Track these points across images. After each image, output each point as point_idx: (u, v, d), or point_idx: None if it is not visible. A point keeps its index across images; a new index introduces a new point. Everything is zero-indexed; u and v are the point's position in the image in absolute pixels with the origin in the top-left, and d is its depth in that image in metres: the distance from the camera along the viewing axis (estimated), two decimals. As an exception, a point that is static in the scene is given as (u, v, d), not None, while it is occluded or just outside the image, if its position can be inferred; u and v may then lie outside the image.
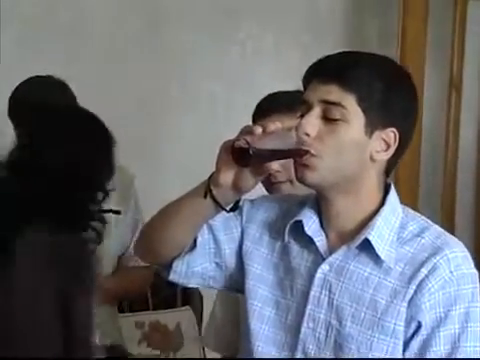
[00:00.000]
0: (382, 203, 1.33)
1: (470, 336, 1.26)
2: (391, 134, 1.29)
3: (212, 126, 3.01)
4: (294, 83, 1.46)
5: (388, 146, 1.29)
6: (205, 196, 1.29)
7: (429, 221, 1.35)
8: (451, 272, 1.27)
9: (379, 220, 1.30)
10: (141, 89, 2.98)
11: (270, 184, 1.69)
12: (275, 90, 1.80)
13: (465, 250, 1.31)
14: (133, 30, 3.02)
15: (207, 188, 1.29)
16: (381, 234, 1.29)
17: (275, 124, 1.26)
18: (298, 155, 1.27)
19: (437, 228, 1.34)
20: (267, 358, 1.36)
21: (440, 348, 1.25)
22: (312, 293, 1.32)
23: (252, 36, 3.14)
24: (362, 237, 1.29)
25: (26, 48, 2.91)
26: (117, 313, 2.42)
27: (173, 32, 3.03)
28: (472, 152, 2.75)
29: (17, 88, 2.29)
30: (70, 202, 1.74)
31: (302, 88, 1.33)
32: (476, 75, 2.79)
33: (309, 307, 1.32)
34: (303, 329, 1.32)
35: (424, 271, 1.27)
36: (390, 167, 1.34)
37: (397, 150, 1.30)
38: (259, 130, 1.24)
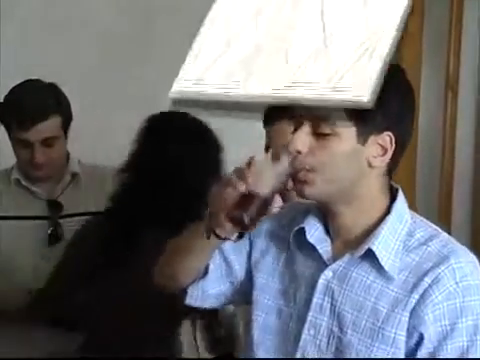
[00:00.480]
0: (389, 208, 1.30)
1: (479, 349, 1.23)
2: (387, 138, 1.26)
3: (212, 122, 3.01)
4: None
5: (385, 150, 1.26)
6: (208, 237, 1.29)
7: (439, 229, 1.32)
8: (456, 283, 1.23)
9: (384, 229, 1.27)
10: (140, 86, 2.98)
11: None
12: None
13: (473, 260, 1.28)
14: (132, 25, 3.02)
15: (209, 230, 1.28)
16: (386, 243, 1.27)
17: (253, 163, 1.22)
18: (294, 175, 1.26)
19: (445, 236, 1.30)
20: (264, 358, 1.36)
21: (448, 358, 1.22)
22: (315, 300, 1.30)
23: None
24: (366, 247, 1.27)
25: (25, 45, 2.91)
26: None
27: (171, 26, 3.03)
28: (469, 152, 2.76)
29: (11, 92, 2.27)
30: (181, 206, 1.83)
31: None
32: (472, 75, 2.79)
33: (311, 314, 1.30)
34: (303, 336, 1.30)
35: (428, 280, 1.24)
36: (391, 169, 1.31)
37: (395, 153, 1.28)
38: (242, 187, 1.19)
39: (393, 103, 1.24)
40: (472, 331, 1.23)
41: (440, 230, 1.32)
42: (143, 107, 3.06)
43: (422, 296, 1.23)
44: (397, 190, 1.33)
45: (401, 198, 1.32)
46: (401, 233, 1.28)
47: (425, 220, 1.34)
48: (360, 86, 0.94)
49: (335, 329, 1.28)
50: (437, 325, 1.22)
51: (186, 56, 1.17)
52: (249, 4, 1.11)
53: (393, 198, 1.32)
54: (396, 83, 1.25)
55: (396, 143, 1.27)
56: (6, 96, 2.27)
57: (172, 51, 3.05)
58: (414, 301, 1.23)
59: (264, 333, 1.37)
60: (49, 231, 2.26)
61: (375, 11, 0.98)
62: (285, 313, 1.35)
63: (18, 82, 2.30)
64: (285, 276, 1.37)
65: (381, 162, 1.27)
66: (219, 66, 1.07)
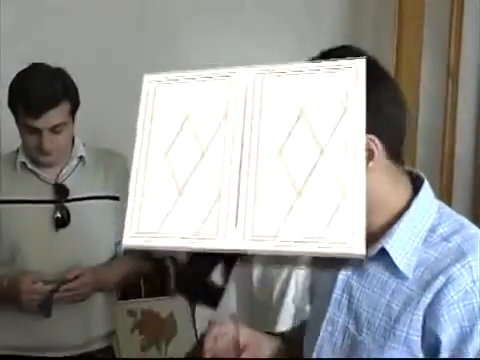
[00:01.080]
0: (412, 200, 1.25)
1: None
2: (370, 142, 1.18)
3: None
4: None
5: (372, 152, 1.19)
6: None
7: (465, 222, 1.26)
8: (473, 282, 1.17)
9: (400, 226, 1.23)
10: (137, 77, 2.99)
11: None
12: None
13: None
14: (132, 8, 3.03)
15: None
16: (402, 241, 1.23)
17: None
18: None
19: (471, 231, 1.24)
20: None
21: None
22: (334, 296, 1.29)
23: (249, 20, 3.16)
24: (379, 246, 1.23)
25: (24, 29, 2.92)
26: (115, 301, 2.45)
27: (170, 15, 3.04)
28: (470, 140, 2.78)
29: (18, 77, 2.23)
30: None
31: None
32: (473, 62, 2.81)
33: (330, 310, 1.29)
34: (322, 333, 1.30)
35: (442, 279, 1.18)
36: (396, 159, 1.25)
37: (389, 146, 1.22)
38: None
39: (373, 107, 1.09)
40: None
41: (467, 223, 1.26)
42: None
43: (437, 296, 1.18)
44: (422, 180, 1.28)
45: (425, 189, 1.27)
46: (422, 229, 1.23)
47: (452, 212, 1.29)
48: (351, 237, 0.91)
49: (351, 327, 1.27)
50: (455, 326, 1.17)
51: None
52: (190, 145, 1.02)
53: (417, 188, 1.27)
54: (369, 81, 1.08)
55: (386, 139, 1.21)
56: (13, 82, 2.23)
57: (170, 35, 3.10)
58: (428, 300, 1.19)
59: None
60: (56, 215, 2.26)
61: (338, 150, 0.94)
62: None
63: (16, 67, 2.25)
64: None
65: (374, 164, 1.21)
66: (176, 217, 0.97)
